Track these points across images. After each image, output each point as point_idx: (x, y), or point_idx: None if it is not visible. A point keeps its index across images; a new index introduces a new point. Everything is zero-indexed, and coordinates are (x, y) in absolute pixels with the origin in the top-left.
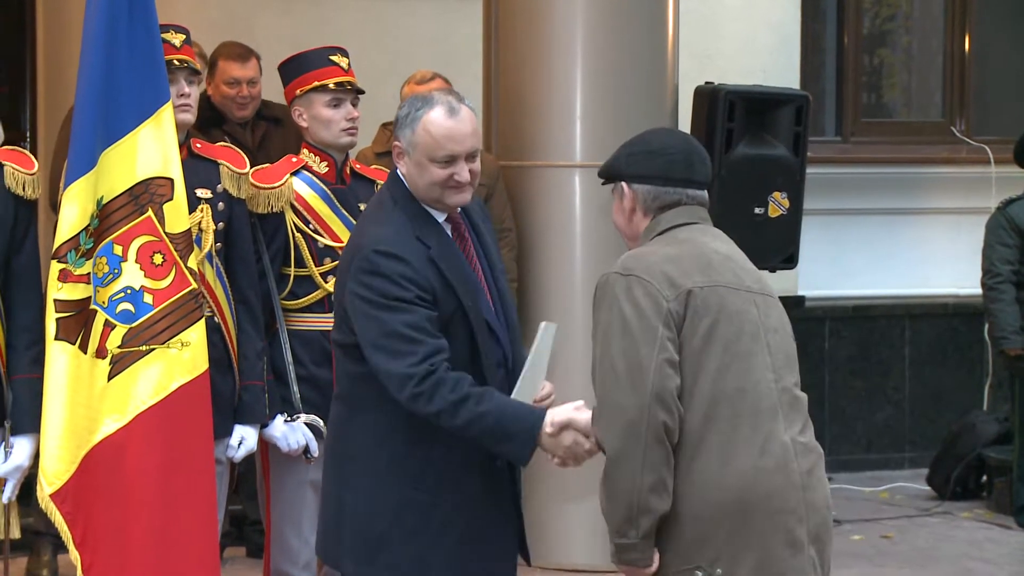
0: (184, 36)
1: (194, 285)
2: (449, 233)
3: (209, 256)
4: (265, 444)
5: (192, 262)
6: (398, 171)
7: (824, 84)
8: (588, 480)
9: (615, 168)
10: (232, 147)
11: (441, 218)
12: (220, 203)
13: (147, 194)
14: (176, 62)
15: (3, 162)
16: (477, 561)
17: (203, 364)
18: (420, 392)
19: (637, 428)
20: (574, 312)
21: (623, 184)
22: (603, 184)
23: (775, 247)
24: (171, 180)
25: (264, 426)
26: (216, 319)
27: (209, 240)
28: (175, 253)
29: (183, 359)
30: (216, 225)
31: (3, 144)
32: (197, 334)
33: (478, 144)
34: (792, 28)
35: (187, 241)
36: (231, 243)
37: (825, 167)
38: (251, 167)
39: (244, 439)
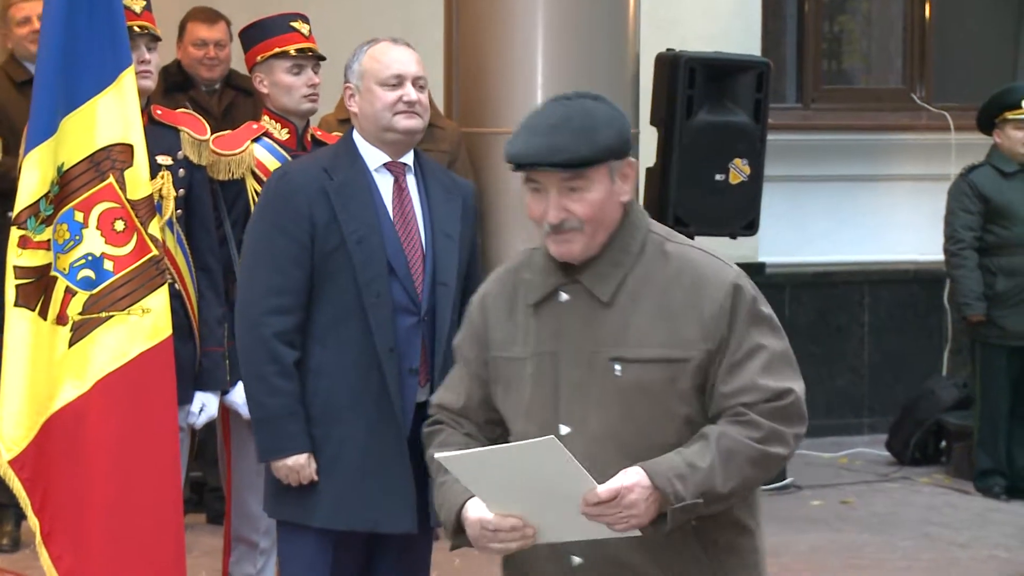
0: (145, 2)
1: (155, 252)
2: (388, 184)
3: (170, 223)
4: (226, 410)
5: (153, 228)
6: (352, 126)
7: (785, 51)
8: None
9: (630, 139)
10: (193, 114)
11: (379, 163)
12: (181, 169)
13: (108, 160)
14: (136, 28)
15: None
16: (364, 500)
17: (166, 331)
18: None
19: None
20: None
21: (631, 159)
22: (588, 166)
23: (736, 213)
24: (131, 146)
25: (225, 392)
26: (177, 286)
27: (170, 207)
28: (136, 220)
29: (144, 325)
30: (177, 192)
31: None
32: (159, 300)
33: (424, 73)
34: None
35: (148, 207)
36: (192, 210)
37: (786, 134)
38: (213, 134)
39: (205, 405)
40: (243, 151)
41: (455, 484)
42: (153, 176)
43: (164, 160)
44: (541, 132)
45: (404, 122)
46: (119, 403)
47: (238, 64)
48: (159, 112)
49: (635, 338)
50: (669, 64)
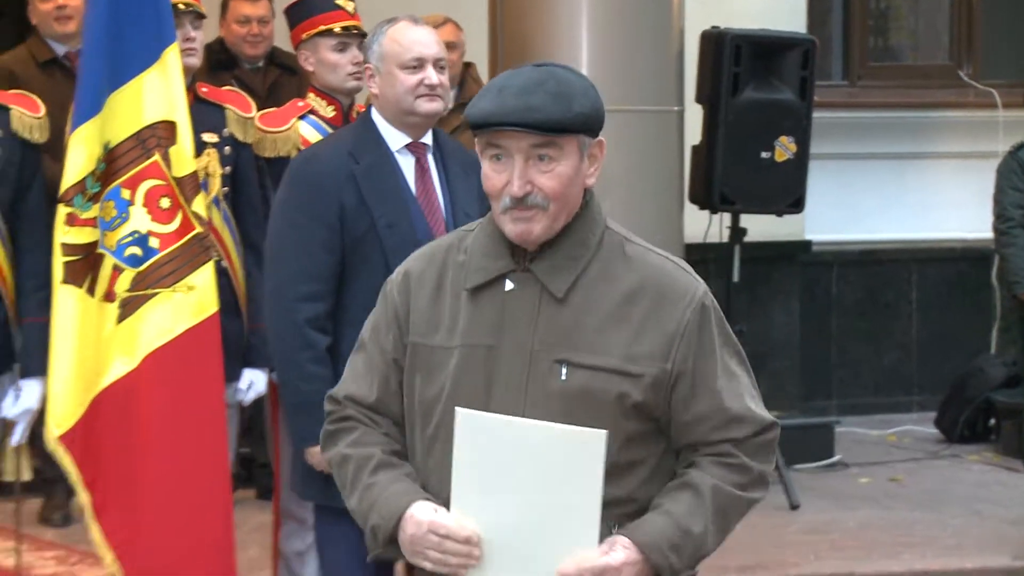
0: None
1: (199, 229)
2: (410, 164)
3: (216, 200)
4: (274, 387)
5: (198, 206)
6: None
7: (831, 28)
8: None
9: (603, 117)
10: (238, 91)
11: (399, 144)
12: (226, 147)
13: (154, 138)
14: (181, 6)
15: (10, 106)
16: None
17: (211, 307)
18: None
19: None
20: None
21: (602, 140)
22: (563, 132)
23: (782, 191)
24: (175, 124)
25: (272, 369)
26: (223, 263)
27: (216, 185)
28: (180, 197)
29: (189, 302)
30: (223, 169)
31: None
32: (204, 277)
33: (444, 54)
34: None
35: (193, 185)
36: (238, 187)
37: (832, 111)
38: (258, 111)
39: (253, 382)
40: (289, 128)
41: (393, 486)
42: (199, 154)
43: (210, 138)
44: (513, 93)
45: (426, 105)
46: (167, 379)
47: (280, 42)
48: (204, 90)
49: (587, 342)
50: (715, 41)
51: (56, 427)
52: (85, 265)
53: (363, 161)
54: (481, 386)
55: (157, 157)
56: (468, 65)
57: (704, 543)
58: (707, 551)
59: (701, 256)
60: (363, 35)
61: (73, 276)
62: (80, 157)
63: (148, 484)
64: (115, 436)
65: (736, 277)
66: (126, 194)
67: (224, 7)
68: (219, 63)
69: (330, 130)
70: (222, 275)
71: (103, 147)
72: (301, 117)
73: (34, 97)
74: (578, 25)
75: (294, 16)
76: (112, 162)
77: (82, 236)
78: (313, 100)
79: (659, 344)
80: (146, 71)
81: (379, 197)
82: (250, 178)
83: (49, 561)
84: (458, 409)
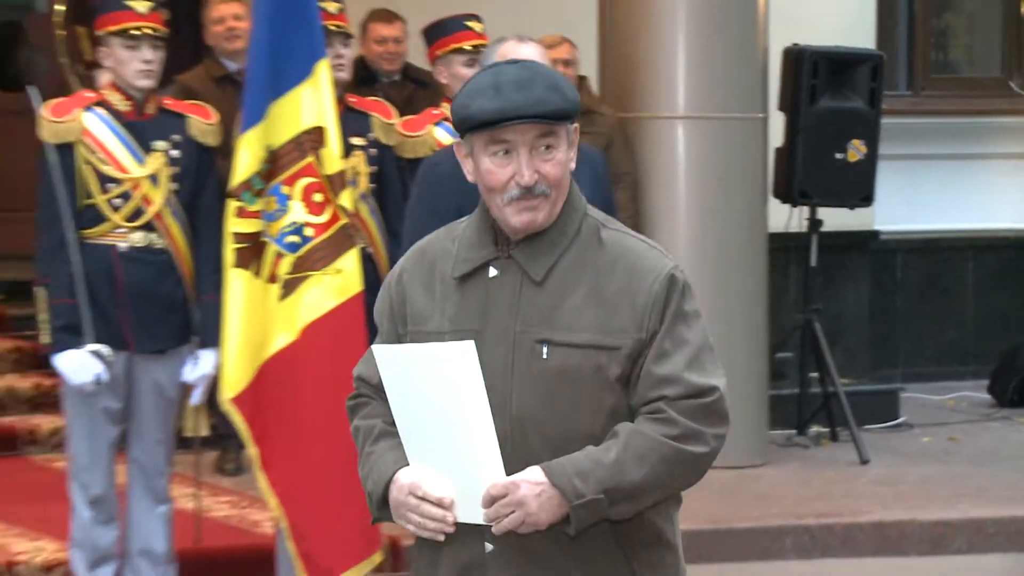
0: (339, 5)
1: (345, 220)
2: None
3: (364, 196)
4: None
5: (344, 200)
6: None
7: (897, 44)
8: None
9: (578, 104)
10: (382, 101)
11: None
12: (372, 149)
13: (309, 141)
14: (332, 27)
15: (188, 114)
16: None
17: (356, 287)
18: None
19: None
20: (677, 248)
21: (578, 125)
22: (565, 120)
23: (854, 188)
24: (324, 128)
25: None
26: (369, 249)
27: (364, 182)
28: (330, 192)
29: (336, 284)
30: (369, 168)
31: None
32: (350, 262)
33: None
34: None
35: (340, 181)
36: (382, 184)
37: (898, 118)
38: (398, 119)
39: None
40: (425, 133)
41: (385, 455)
42: (348, 155)
43: (358, 141)
44: (509, 89)
45: None
46: (320, 349)
47: (413, 59)
48: (353, 100)
49: (565, 321)
50: (795, 57)
51: (228, 391)
52: (252, 251)
53: None
54: None
55: (311, 158)
56: (582, 78)
57: (616, 474)
58: (622, 485)
59: (783, 244)
60: None
61: (242, 261)
62: (247, 158)
63: (306, 442)
64: (278, 399)
65: (814, 262)
66: (286, 190)
67: (363, 28)
68: (360, 79)
69: None
70: (368, 260)
71: (266, 149)
72: (436, 124)
73: (208, 107)
74: (675, 41)
75: (430, 36)
76: (274, 162)
77: (249, 226)
78: (447, 108)
79: (631, 316)
80: (302, 84)
81: None
82: (392, 176)
83: (224, 505)
84: (375, 346)
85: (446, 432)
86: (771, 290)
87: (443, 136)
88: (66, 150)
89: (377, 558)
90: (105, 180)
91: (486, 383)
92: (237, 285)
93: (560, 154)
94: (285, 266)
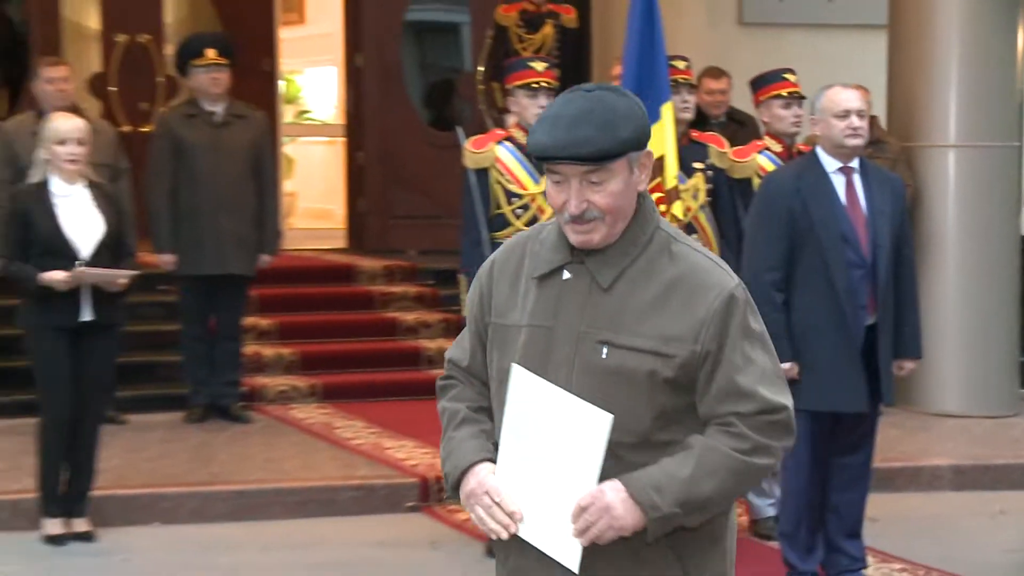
0: (687, 62)
1: (675, 223)
2: (841, 180)
3: (703, 206)
4: None
5: (676, 209)
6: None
7: None
8: (964, 332)
9: (649, 131)
10: (717, 134)
11: (833, 168)
12: (709, 171)
13: (656, 165)
14: (681, 80)
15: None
16: (832, 388)
17: None
18: None
19: None
20: (946, 271)
21: (649, 150)
22: (611, 159)
23: None
24: (664, 156)
25: None
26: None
27: (703, 196)
28: (667, 204)
29: None
30: (708, 186)
31: None
32: None
33: (864, 107)
34: None
35: (674, 195)
36: (717, 198)
37: None
38: (729, 148)
39: None
40: (750, 159)
41: (468, 441)
42: (690, 176)
43: (698, 165)
44: (563, 125)
45: (851, 141)
46: None
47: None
48: (695, 134)
49: (627, 326)
50: None
51: None
52: None
53: (806, 180)
54: (539, 362)
55: (659, 178)
56: (873, 117)
57: (692, 488)
58: (699, 498)
59: None
60: (802, 97)
61: None
62: None
63: None
64: None
65: None
66: None
67: (698, 81)
68: (695, 123)
69: (779, 161)
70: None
71: None
72: (759, 152)
73: None
74: (948, 84)
75: (755, 85)
76: None
77: None
78: (769, 141)
79: (690, 329)
80: (658, 122)
81: (817, 204)
82: (724, 192)
83: None
84: (514, 365)
85: (548, 471)
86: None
87: (764, 161)
88: (482, 173)
89: None
90: (510, 195)
91: (551, 377)
92: None
93: (613, 185)
94: None
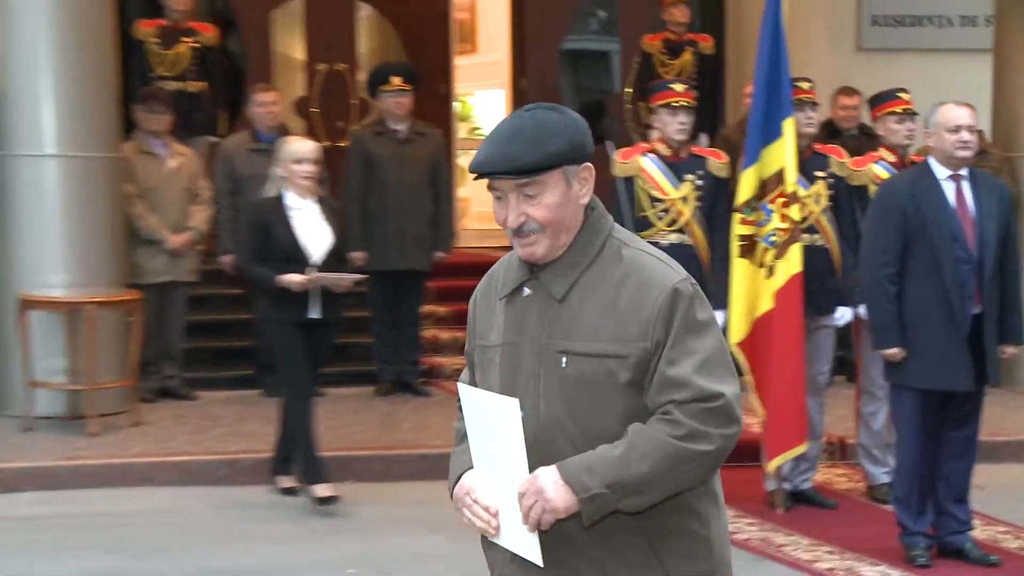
0: (811, 83)
1: (791, 225)
2: (951, 187)
3: (824, 210)
4: (858, 319)
5: (794, 212)
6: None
7: None
8: None
9: (585, 146)
10: (837, 147)
11: (944, 175)
12: (830, 179)
13: (780, 174)
14: (805, 98)
15: (708, 157)
16: (943, 368)
17: (797, 268)
18: None
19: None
20: None
21: (588, 164)
22: (539, 172)
23: None
24: (784, 167)
25: (855, 306)
26: (827, 245)
27: (824, 201)
28: (787, 207)
29: (788, 267)
30: (828, 192)
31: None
32: (795, 252)
33: (974, 122)
34: None
35: (793, 199)
36: (838, 203)
37: None
38: (849, 158)
39: (843, 314)
40: (866, 169)
41: (462, 456)
42: (813, 183)
43: (820, 174)
44: (496, 143)
45: (961, 153)
46: (779, 309)
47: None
48: (817, 147)
49: (582, 333)
50: None
51: (734, 337)
52: (749, 247)
53: (919, 185)
54: (511, 377)
55: (783, 186)
56: (980, 131)
57: (623, 470)
58: (630, 479)
59: None
60: (914, 113)
61: (743, 253)
62: (748, 185)
63: (773, 370)
64: (763, 344)
65: None
66: (771, 207)
67: (834, 99)
68: (828, 134)
69: (893, 170)
70: (823, 252)
71: (759, 180)
72: (875, 162)
73: (720, 151)
74: None
75: (873, 102)
76: (763, 188)
77: (747, 230)
78: (883, 152)
79: (639, 328)
80: (781, 137)
81: (929, 206)
82: (844, 198)
83: None
84: (459, 384)
85: (497, 471)
86: None
87: (880, 170)
88: (629, 181)
89: (799, 450)
90: (653, 200)
91: (522, 390)
92: (740, 269)
93: (547, 198)
94: (769, 257)
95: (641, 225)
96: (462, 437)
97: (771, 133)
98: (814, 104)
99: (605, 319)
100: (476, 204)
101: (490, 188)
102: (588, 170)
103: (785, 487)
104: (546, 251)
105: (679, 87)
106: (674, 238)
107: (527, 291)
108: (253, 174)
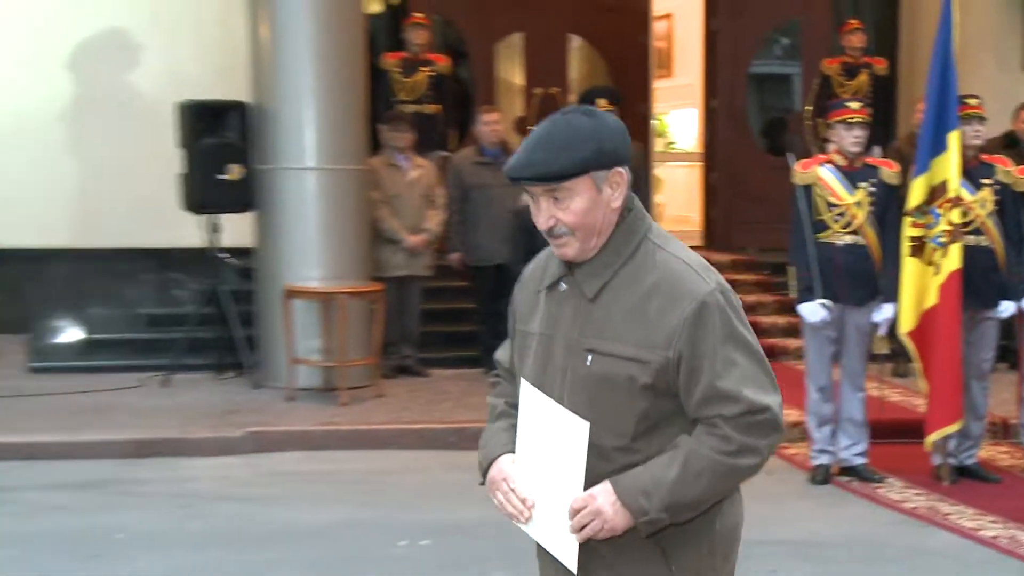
0: (978, 99)
1: (949, 227)
2: None
3: (990, 214)
4: (1020, 311)
5: (954, 216)
6: None
7: None
8: None
9: (617, 151)
10: (1001, 157)
11: None
12: (996, 186)
13: (946, 181)
14: (972, 113)
15: (881, 167)
16: None
17: (956, 265)
18: None
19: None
20: None
21: (620, 168)
22: (564, 179)
23: None
24: (947, 177)
25: (1019, 300)
26: (992, 246)
27: (990, 206)
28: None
29: (949, 264)
30: (994, 196)
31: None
32: (955, 250)
33: None
34: None
35: (955, 204)
36: (1003, 208)
37: None
38: (1014, 167)
39: (1006, 308)
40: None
41: (499, 434)
42: (979, 189)
43: (986, 182)
44: (527, 148)
45: None
46: (942, 301)
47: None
48: (984, 156)
49: (611, 334)
50: None
51: (904, 327)
52: (919, 247)
53: None
54: (542, 368)
55: (947, 192)
56: None
57: (679, 492)
58: (685, 501)
59: None
60: None
61: (913, 252)
62: (919, 192)
63: (937, 358)
64: (929, 334)
65: None
66: (939, 210)
67: (1017, 112)
68: (1006, 144)
69: None
70: (989, 253)
71: (929, 187)
72: None
73: (892, 161)
74: None
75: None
76: (932, 194)
77: (917, 232)
78: None
79: (664, 336)
80: (948, 149)
81: None
82: (1009, 202)
83: (896, 393)
84: (523, 382)
85: (546, 474)
86: None
87: None
88: (807, 188)
89: (954, 427)
90: (830, 205)
91: (550, 382)
92: (910, 267)
93: (576, 203)
94: (937, 256)
95: (818, 228)
96: (498, 415)
97: (939, 145)
98: (981, 118)
99: (634, 323)
100: (670, 209)
101: (524, 191)
102: (620, 174)
103: (951, 462)
104: (576, 252)
105: (855, 104)
106: (848, 239)
107: (563, 286)
108: (479, 183)
